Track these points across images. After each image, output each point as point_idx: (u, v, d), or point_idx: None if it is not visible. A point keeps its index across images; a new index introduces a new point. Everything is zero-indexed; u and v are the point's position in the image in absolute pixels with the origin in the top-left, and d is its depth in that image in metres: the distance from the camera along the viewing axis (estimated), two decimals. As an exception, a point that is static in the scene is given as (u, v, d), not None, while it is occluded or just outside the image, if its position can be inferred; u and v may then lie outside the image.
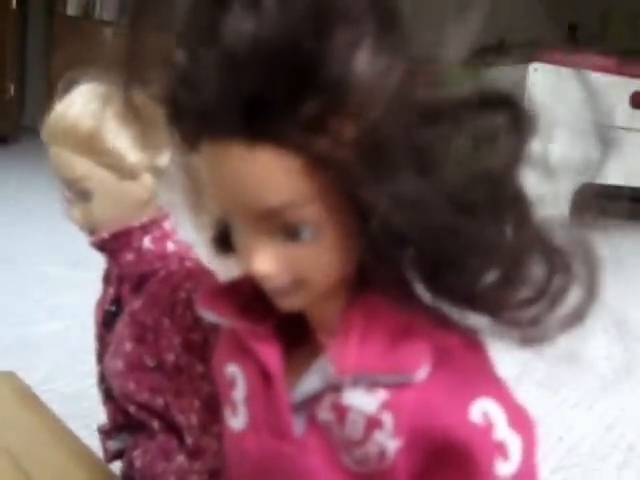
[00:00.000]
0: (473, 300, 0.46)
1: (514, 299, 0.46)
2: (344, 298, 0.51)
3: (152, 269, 0.79)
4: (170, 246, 0.81)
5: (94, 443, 0.93)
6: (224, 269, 0.80)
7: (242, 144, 0.43)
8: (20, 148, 5.34)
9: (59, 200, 0.82)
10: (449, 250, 0.44)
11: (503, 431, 0.48)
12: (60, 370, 1.65)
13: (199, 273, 0.79)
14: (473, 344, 0.50)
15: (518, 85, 0.46)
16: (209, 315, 0.56)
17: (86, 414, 1.00)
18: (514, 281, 0.46)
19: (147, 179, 0.78)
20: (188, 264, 0.80)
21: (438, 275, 0.46)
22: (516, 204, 0.45)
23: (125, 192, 0.78)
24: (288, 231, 0.46)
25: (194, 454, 0.76)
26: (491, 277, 0.46)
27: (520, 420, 0.49)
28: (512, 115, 0.44)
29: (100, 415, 0.89)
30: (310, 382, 0.51)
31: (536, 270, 0.46)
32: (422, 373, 0.48)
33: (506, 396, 0.50)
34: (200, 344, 0.75)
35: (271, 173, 0.43)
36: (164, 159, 0.78)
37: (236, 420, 0.56)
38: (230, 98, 0.42)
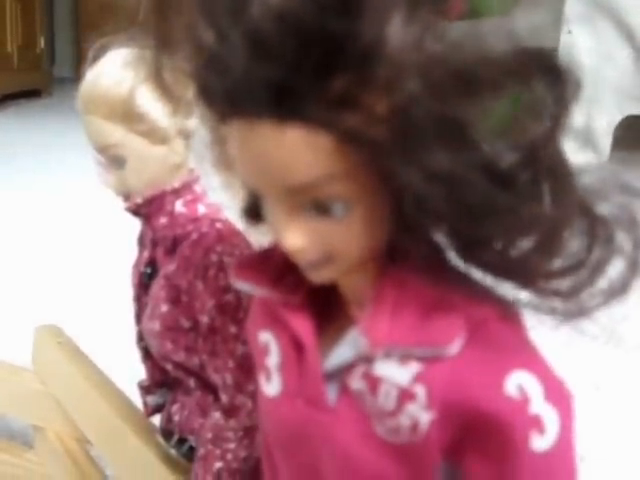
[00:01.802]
0: (509, 269, 0.44)
1: (552, 268, 0.43)
2: (375, 271, 0.48)
3: (184, 232, 0.77)
4: (201, 209, 0.79)
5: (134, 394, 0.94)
6: (254, 231, 0.79)
7: (270, 123, 0.40)
8: (53, 100, 5.31)
9: (93, 156, 0.81)
10: (485, 226, 0.41)
11: (539, 405, 0.45)
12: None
13: (230, 235, 0.77)
14: (508, 315, 0.47)
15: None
16: (243, 285, 0.54)
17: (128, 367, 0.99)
18: (552, 250, 0.43)
19: (178, 143, 0.76)
20: (219, 226, 0.78)
21: (473, 247, 0.43)
22: (556, 173, 0.42)
23: (157, 157, 0.76)
24: (319, 207, 0.44)
25: (229, 412, 0.75)
26: (528, 245, 0.43)
27: (557, 393, 0.46)
28: (554, 80, 0.40)
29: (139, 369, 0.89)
30: (342, 352, 0.49)
31: (576, 240, 0.43)
32: (456, 346, 0.45)
33: (543, 369, 0.47)
34: (234, 306, 0.74)
35: (300, 151, 0.41)
36: (194, 123, 0.76)
37: (270, 386, 0.55)
38: (257, 77, 0.39)
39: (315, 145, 0.41)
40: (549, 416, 0.45)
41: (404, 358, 0.46)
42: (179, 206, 0.78)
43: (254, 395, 0.73)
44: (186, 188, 0.78)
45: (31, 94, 5.19)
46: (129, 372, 0.98)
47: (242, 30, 0.39)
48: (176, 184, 0.78)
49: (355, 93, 0.39)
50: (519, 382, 0.45)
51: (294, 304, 0.52)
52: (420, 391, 0.46)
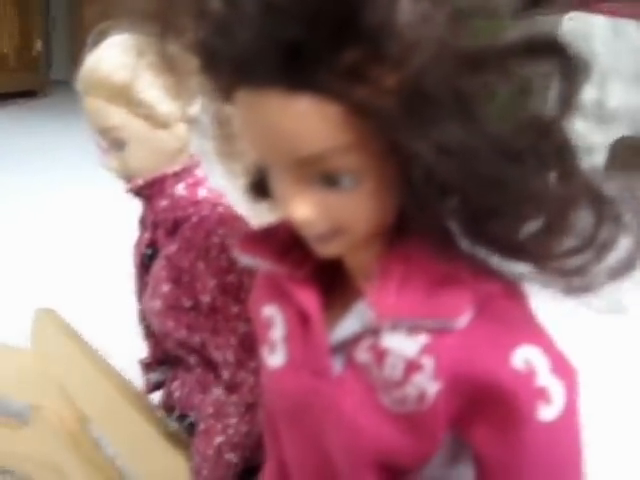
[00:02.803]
0: (517, 248, 0.43)
1: (559, 248, 0.43)
2: (382, 245, 0.48)
3: (185, 214, 0.77)
4: (202, 192, 0.78)
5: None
6: (254, 215, 0.78)
7: (280, 92, 0.39)
8: (49, 102, 5.25)
9: (93, 150, 0.79)
10: (493, 199, 0.41)
11: (545, 377, 0.45)
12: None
13: (231, 218, 0.76)
14: (514, 292, 0.47)
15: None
16: (248, 259, 0.53)
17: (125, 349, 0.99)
18: (559, 230, 0.42)
19: (179, 128, 0.75)
20: (220, 210, 0.77)
21: (481, 223, 0.43)
22: (563, 152, 0.41)
23: (158, 141, 0.75)
24: (327, 178, 0.43)
25: (231, 388, 0.75)
26: (536, 225, 0.42)
27: (562, 367, 0.46)
28: (561, 62, 0.40)
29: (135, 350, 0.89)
30: (348, 325, 0.49)
31: (584, 219, 0.43)
32: (464, 319, 0.45)
33: (548, 343, 0.46)
34: (235, 286, 0.73)
35: (310, 121, 0.40)
36: (195, 108, 0.75)
37: (274, 357, 0.54)
38: (268, 45, 0.38)
39: (324, 115, 0.40)
40: (555, 388, 0.45)
41: (412, 330, 0.46)
42: (180, 189, 0.77)
43: (256, 372, 0.73)
44: (187, 172, 0.78)
45: (27, 95, 5.15)
46: (126, 354, 0.98)
47: (254, 4, 0.38)
48: (177, 168, 0.77)
49: (366, 65, 0.38)
50: (526, 356, 0.45)
51: (300, 278, 0.51)
52: (427, 362, 0.46)
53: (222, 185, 0.80)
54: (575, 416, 0.46)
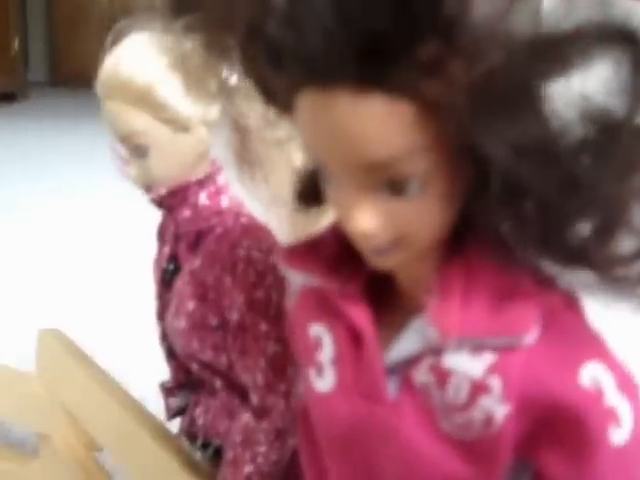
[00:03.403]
0: (581, 255, 0.41)
1: (623, 253, 0.41)
2: (440, 257, 0.46)
3: (208, 226, 0.74)
4: (225, 201, 0.76)
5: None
6: (278, 225, 0.76)
7: (351, 91, 0.38)
8: (29, 104, 5.21)
9: (111, 158, 0.77)
10: (572, 201, 0.39)
11: (613, 397, 0.44)
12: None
13: (254, 229, 0.74)
14: (573, 302, 0.45)
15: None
16: (296, 275, 0.51)
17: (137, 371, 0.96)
18: (624, 232, 0.41)
19: (201, 131, 0.73)
20: (243, 220, 0.75)
21: (553, 228, 0.41)
22: (634, 148, 0.39)
23: (180, 145, 0.73)
24: (394, 185, 0.41)
25: (260, 413, 0.72)
26: (597, 228, 0.41)
27: (628, 384, 0.45)
28: (634, 52, 0.38)
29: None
30: (406, 344, 0.46)
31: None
32: (532, 335, 0.43)
33: (612, 359, 0.45)
34: (264, 302, 0.71)
35: (382, 123, 0.38)
36: (215, 111, 0.73)
37: (322, 382, 0.52)
38: (340, 40, 0.37)
39: (397, 116, 0.38)
40: (623, 408, 0.44)
41: (477, 349, 0.44)
42: (203, 198, 0.75)
43: (286, 395, 0.71)
44: (210, 179, 0.76)
45: (7, 98, 5.10)
46: (141, 377, 0.96)
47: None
48: (200, 175, 0.75)
49: (441, 60, 0.37)
50: (593, 374, 0.43)
51: (351, 294, 0.49)
52: (495, 383, 0.43)
53: (241, 192, 0.78)
54: None
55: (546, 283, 0.43)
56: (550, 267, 0.43)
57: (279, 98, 0.43)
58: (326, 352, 0.51)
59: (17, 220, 2.57)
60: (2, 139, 3.97)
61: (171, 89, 0.70)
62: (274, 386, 0.72)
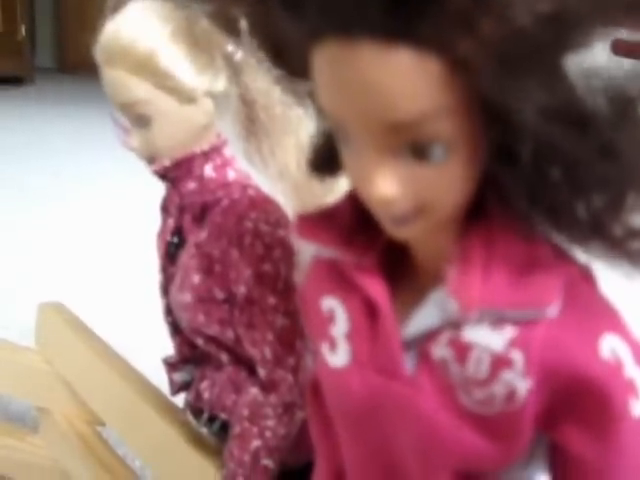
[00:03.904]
0: (598, 228, 0.40)
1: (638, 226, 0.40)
2: (459, 228, 0.44)
3: (215, 198, 0.72)
4: (231, 174, 0.73)
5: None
6: (284, 198, 0.73)
7: (377, 43, 0.35)
8: (36, 89, 5.20)
9: (112, 130, 0.74)
10: (602, 169, 0.37)
11: (631, 368, 0.42)
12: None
13: (262, 202, 0.72)
14: (588, 275, 0.44)
15: None
16: (309, 246, 0.49)
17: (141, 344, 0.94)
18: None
19: (206, 103, 0.70)
20: (250, 192, 0.72)
21: (576, 196, 0.39)
22: None
23: (184, 116, 0.70)
24: (417, 149, 0.38)
25: (268, 387, 0.70)
26: (616, 201, 0.39)
27: None
28: None
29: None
30: (425, 317, 0.45)
31: None
32: (555, 308, 0.41)
33: (627, 331, 0.44)
34: (272, 275, 0.69)
35: (408, 78, 0.36)
36: (221, 83, 0.70)
37: (336, 356, 0.50)
38: None
39: (424, 71, 0.36)
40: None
41: (498, 322, 0.42)
42: (209, 170, 0.73)
43: (294, 369, 0.69)
44: (215, 151, 0.73)
45: (14, 82, 5.08)
46: (146, 351, 0.93)
47: None
48: (205, 146, 0.72)
49: (472, 14, 0.34)
50: (612, 345, 0.42)
51: (366, 266, 0.47)
52: (517, 357, 0.42)
53: (248, 165, 0.75)
54: None
55: (563, 254, 0.42)
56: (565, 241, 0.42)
57: (292, 56, 0.40)
58: (340, 326, 0.50)
59: (21, 201, 2.57)
60: (7, 122, 3.96)
61: (175, 58, 0.67)
62: (282, 360, 0.70)
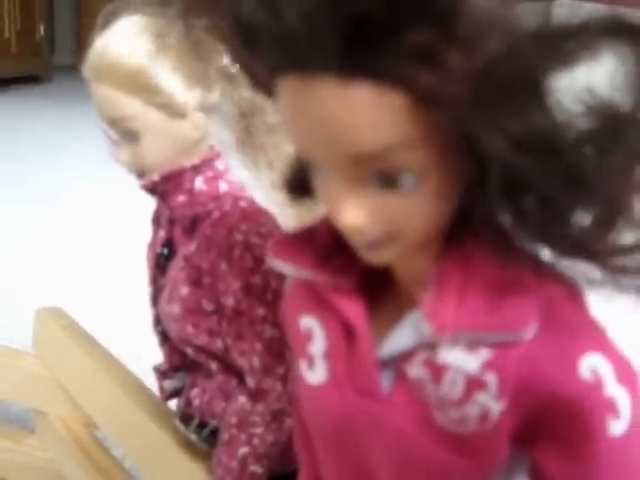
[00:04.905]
0: (582, 246, 0.39)
1: (621, 243, 0.39)
2: (436, 249, 0.44)
3: (205, 210, 0.72)
4: (223, 186, 0.73)
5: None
6: (279, 211, 0.73)
7: (336, 79, 0.35)
8: (53, 87, 5.23)
9: (99, 139, 0.74)
10: (572, 195, 0.37)
11: (612, 387, 0.42)
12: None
13: (254, 214, 0.71)
14: (573, 294, 0.43)
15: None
16: (284, 267, 0.48)
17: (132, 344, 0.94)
18: (621, 221, 0.38)
19: (198, 117, 0.69)
20: (242, 204, 0.72)
21: (552, 221, 0.39)
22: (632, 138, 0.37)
23: (174, 132, 0.70)
24: (385, 179, 0.38)
25: (256, 396, 0.71)
26: (595, 217, 0.39)
27: (626, 373, 0.43)
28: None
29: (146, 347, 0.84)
30: (400, 338, 0.45)
31: None
32: (530, 331, 0.41)
33: (611, 349, 0.44)
34: (261, 287, 0.69)
35: (370, 112, 0.35)
36: (215, 95, 0.69)
37: (313, 374, 0.50)
38: (324, 23, 0.33)
39: (387, 106, 0.35)
40: (622, 398, 0.43)
41: (473, 344, 0.42)
42: (199, 183, 0.73)
43: (283, 378, 0.70)
44: (207, 164, 0.73)
45: (31, 80, 5.11)
46: (136, 355, 0.93)
47: None
48: (196, 160, 0.72)
49: (435, 47, 0.34)
50: (592, 365, 0.42)
51: (343, 287, 0.47)
52: (491, 379, 0.42)
53: (243, 178, 0.75)
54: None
55: (546, 274, 0.41)
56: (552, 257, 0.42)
57: (263, 83, 0.40)
58: (317, 345, 0.50)
59: (35, 200, 2.57)
60: (25, 120, 3.98)
61: (165, 73, 0.68)
62: (271, 369, 0.70)
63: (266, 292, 0.69)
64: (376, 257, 0.43)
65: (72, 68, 6.01)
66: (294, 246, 0.48)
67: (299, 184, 0.48)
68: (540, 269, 0.41)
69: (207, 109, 0.70)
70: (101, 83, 0.68)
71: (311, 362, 0.50)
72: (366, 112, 0.35)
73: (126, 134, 0.70)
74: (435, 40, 0.33)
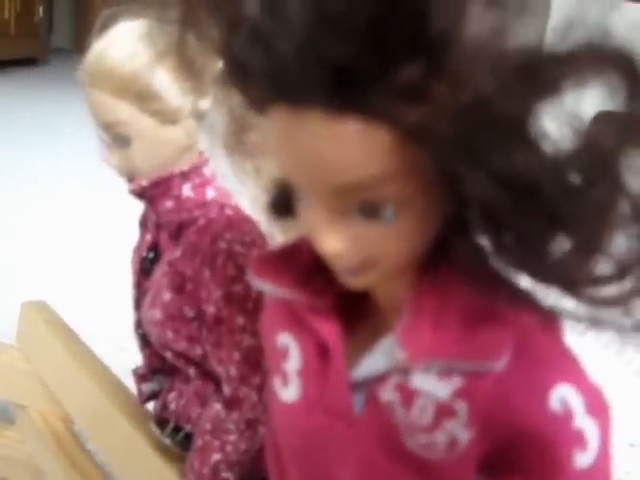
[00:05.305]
0: (559, 275, 0.39)
1: (598, 273, 0.39)
2: (413, 276, 0.44)
3: (191, 217, 0.73)
4: (210, 193, 0.74)
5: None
6: (265, 217, 0.73)
7: (323, 112, 0.35)
8: (50, 69, 5.20)
9: (95, 138, 0.74)
10: (551, 229, 0.37)
11: (581, 418, 0.42)
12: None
13: (239, 222, 0.72)
14: (549, 322, 0.44)
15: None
16: (263, 285, 0.49)
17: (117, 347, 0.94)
18: (596, 250, 0.38)
19: (189, 124, 0.70)
20: (228, 212, 0.73)
21: (529, 253, 0.39)
22: (617, 174, 0.37)
23: (166, 138, 0.70)
24: (366, 209, 0.39)
25: (231, 404, 0.71)
26: (570, 245, 0.38)
27: (596, 404, 0.44)
28: (628, 78, 0.35)
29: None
30: (374, 362, 0.46)
31: (621, 243, 0.39)
32: (502, 362, 0.42)
33: (583, 379, 0.44)
34: (242, 296, 0.69)
35: (356, 146, 0.36)
36: (206, 102, 0.70)
37: (287, 391, 0.50)
38: (313, 60, 0.34)
39: (373, 140, 0.36)
40: (590, 430, 0.43)
41: (445, 371, 0.43)
42: (187, 190, 0.73)
43: (259, 388, 0.70)
44: (195, 171, 0.73)
45: (28, 62, 5.08)
46: (118, 352, 0.94)
47: (298, 10, 0.34)
48: (185, 167, 0.73)
49: (423, 84, 0.34)
50: (562, 396, 0.42)
51: (320, 308, 0.48)
52: (461, 407, 0.43)
53: (230, 184, 0.75)
54: (608, 457, 0.44)
55: (522, 303, 0.41)
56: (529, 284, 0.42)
57: (255, 103, 0.40)
58: (292, 363, 0.51)
59: (24, 184, 2.55)
60: (21, 103, 3.95)
61: (160, 80, 0.68)
62: (247, 378, 0.71)
63: (247, 301, 0.69)
64: (354, 282, 0.43)
65: (69, 51, 5.97)
66: (274, 264, 0.49)
67: (283, 204, 0.49)
68: (516, 298, 0.41)
69: (199, 115, 0.70)
70: (96, 88, 0.68)
71: (285, 379, 0.50)
72: (352, 146, 0.36)
73: (118, 139, 0.70)
74: (424, 76, 0.34)
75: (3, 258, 1.83)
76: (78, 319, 1.06)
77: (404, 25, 0.33)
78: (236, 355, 0.70)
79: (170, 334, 0.73)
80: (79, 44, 6.34)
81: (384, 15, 0.33)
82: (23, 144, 3.08)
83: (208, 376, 0.75)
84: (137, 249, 0.79)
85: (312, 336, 0.48)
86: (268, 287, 0.49)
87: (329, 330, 0.47)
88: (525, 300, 0.41)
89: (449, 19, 0.33)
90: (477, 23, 0.34)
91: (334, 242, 0.40)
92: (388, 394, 0.45)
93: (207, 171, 0.74)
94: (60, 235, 2.03)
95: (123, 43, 0.68)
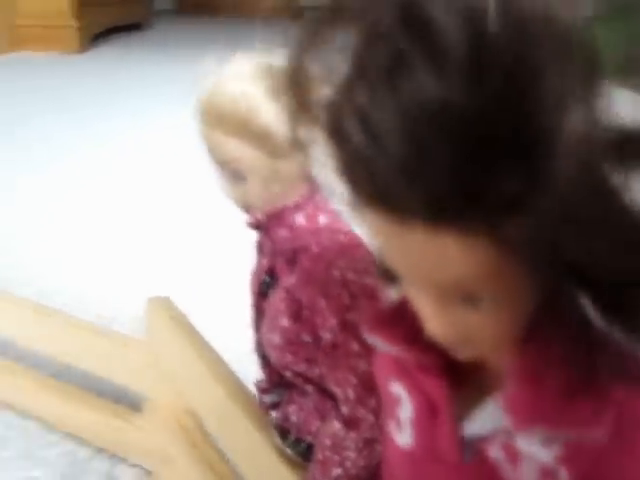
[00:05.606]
0: None
1: None
2: (517, 344, 0.46)
3: (305, 244, 0.76)
4: (322, 220, 0.77)
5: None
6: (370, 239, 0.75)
7: (422, 225, 0.37)
8: (154, 33, 5.29)
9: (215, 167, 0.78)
10: None
11: None
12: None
13: (352, 248, 0.75)
14: None
15: None
16: (376, 341, 0.52)
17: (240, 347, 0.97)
18: None
19: (300, 155, 0.73)
20: (340, 238, 0.75)
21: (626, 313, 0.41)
22: None
23: (278, 171, 0.73)
24: (467, 300, 0.42)
25: (350, 423, 0.74)
26: None
27: None
28: None
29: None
30: (480, 423, 0.48)
31: None
32: (601, 431, 0.43)
33: None
34: (357, 323, 0.72)
35: (455, 253, 0.38)
36: (315, 132, 0.72)
37: (401, 436, 0.54)
38: (411, 183, 0.35)
39: (472, 250, 0.38)
40: None
41: (547, 439, 0.45)
42: (300, 219, 0.76)
43: (375, 410, 0.72)
44: (307, 201, 0.76)
45: (132, 27, 5.19)
46: (240, 352, 0.97)
47: (393, 120, 0.35)
48: (298, 198, 0.76)
49: (522, 198, 0.35)
50: None
51: (429, 365, 0.50)
52: (562, 473, 0.45)
53: (342, 210, 0.77)
54: None
55: (622, 363, 0.43)
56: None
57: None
58: (405, 411, 0.54)
59: (127, 152, 2.56)
60: (128, 68, 4.00)
61: (273, 117, 0.70)
62: (364, 400, 0.73)
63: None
64: (458, 355, 0.46)
65: (172, 12, 5.98)
66: (385, 322, 0.52)
67: (391, 274, 0.52)
68: (617, 368, 0.43)
69: (308, 146, 0.73)
70: (210, 127, 0.73)
71: (399, 425, 0.54)
72: (450, 253, 0.37)
73: (233, 174, 0.74)
74: (525, 191, 0.34)
75: (128, 257, 1.81)
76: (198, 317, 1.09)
77: (498, 144, 0.34)
78: (352, 379, 0.73)
79: (289, 357, 0.77)
80: (181, 5, 6.42)
81: (475, 138, 0.34)
82: (132, 114, 3.11)
83: (325, 393, 0.79)
84: (255, 273, 0.83)
85: (421, 391, 0.51)
86: (380, 343, 0.52)
87: (437, 390, 0.50)
88: (625, 359, 0.43)
89: (549, 128, 0.34)
90: (576, 127, 0.34)
91: (438, 326, 0.43)
92: (495, 451, 0.47)
93: (319, 198, 0.77)
94: (183, 232, 1.94)
95: (236, 84, 0.71)
